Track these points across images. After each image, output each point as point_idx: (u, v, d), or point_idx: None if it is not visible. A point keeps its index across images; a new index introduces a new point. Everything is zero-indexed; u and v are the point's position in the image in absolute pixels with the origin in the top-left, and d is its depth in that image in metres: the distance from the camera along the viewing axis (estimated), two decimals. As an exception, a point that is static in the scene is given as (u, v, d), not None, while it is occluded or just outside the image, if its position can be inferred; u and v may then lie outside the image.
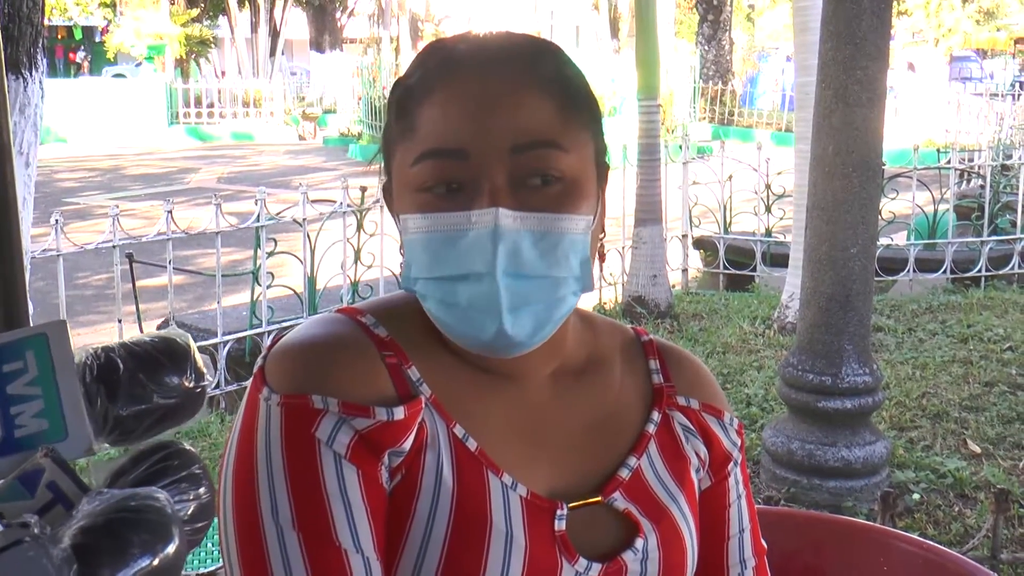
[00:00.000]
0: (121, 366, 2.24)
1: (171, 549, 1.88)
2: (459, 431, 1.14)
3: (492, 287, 1.07)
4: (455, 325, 1.12)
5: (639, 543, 1.20)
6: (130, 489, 1.99)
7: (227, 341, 5.85)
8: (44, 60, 3.05)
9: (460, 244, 1.08)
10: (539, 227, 1.09)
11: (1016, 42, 38.94)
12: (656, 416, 1.29)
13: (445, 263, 1.09)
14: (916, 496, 4.21)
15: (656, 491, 1.24)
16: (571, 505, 1.18)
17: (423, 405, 1.13)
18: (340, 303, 6.41)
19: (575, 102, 1.15)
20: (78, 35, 37.53)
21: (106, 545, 1.83)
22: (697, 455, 1.30)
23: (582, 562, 1.16)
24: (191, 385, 2.33)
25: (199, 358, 2.39)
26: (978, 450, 4.73)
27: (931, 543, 1.78)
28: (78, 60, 38.39)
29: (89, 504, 1.91)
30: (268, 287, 6.07)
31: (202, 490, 2.30)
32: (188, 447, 2.42)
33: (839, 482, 4.15)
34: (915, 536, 1.87)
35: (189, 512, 2.23)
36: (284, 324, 6.07)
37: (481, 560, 1.10)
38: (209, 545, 3.75)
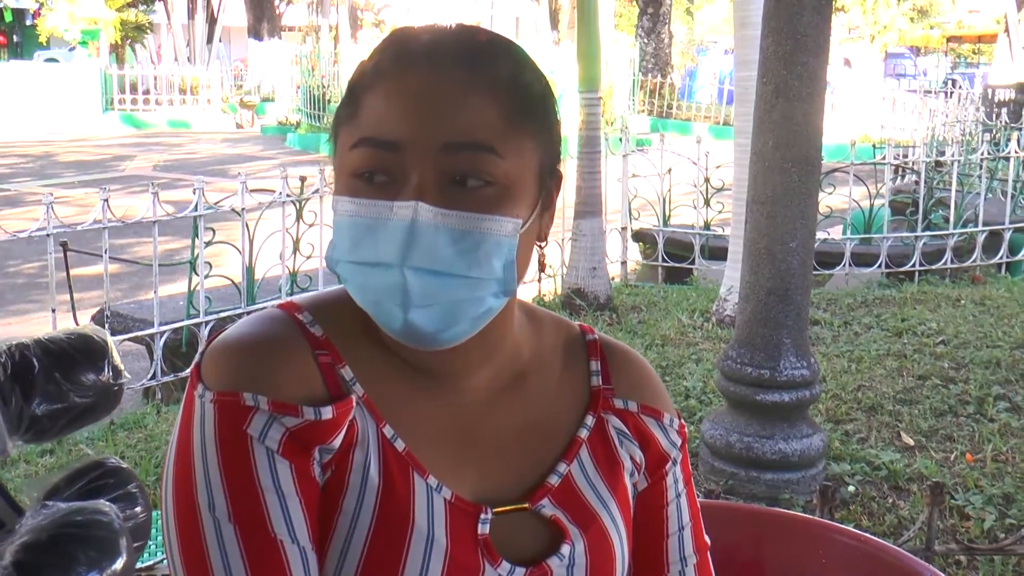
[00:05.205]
0: (36, 364, 2.18)
1: (119, 565, 1.83)
2: (388, 431, 1.15)
3: (399, 279, 1.08)
4: (370, 310, 1.13)
5: (565, 549, 1.21)
6: (77, 503, 1.93)
7: (164, 331, 5.77)
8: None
9: (379, 233, 1.09)
10: (460, 226, 1.08)
11: (948, 40, 39.65)
12: (590, 420, 1.29)
13: (363, 249, 1.10)
14: (851, 488, 4.26)
15: (586, 497, 1.25)
16: (497, 510, 1.18)
17: (354, 404, 1.14)
18: (279, 293, 6.37)
19: (524, 109, 1.14)
20: (8, 18, 36.76)
21: (50, 562, 1.79)
22: (632, 459, 1.31)
23: (505, 566, 1.17)
24: (108, 382, 2.27)
25: (117, 355, 2.33)
26: (911, 442, 4.80)
27: (868, 536, 1.80)
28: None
29: (34, 519, 1.85)
30: (206, 277, 6.00)
31: (138, 509, 2.24)
32: (124, 465, 2.35)
33: (776, 474, 4.18)
34: (852, 528, 1.89)
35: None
36: (222, 314, 6.01)
37: (401, 559, 1.12)
38: (159, 539, 3.69)
